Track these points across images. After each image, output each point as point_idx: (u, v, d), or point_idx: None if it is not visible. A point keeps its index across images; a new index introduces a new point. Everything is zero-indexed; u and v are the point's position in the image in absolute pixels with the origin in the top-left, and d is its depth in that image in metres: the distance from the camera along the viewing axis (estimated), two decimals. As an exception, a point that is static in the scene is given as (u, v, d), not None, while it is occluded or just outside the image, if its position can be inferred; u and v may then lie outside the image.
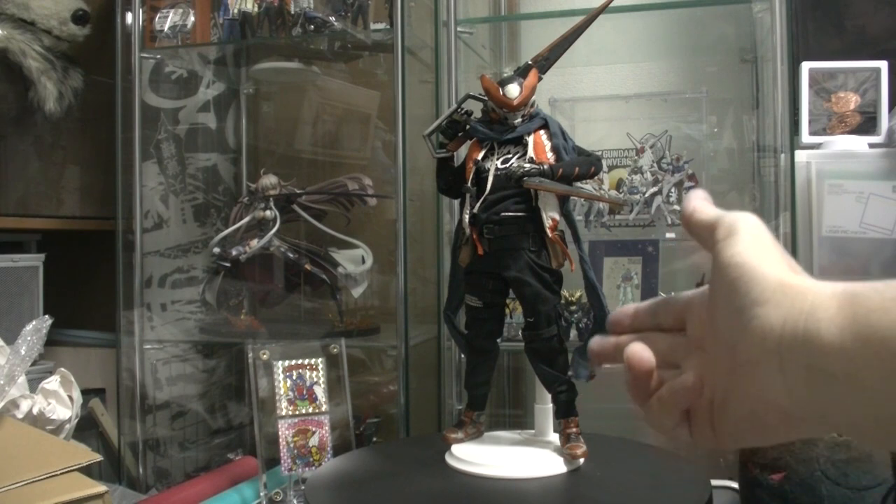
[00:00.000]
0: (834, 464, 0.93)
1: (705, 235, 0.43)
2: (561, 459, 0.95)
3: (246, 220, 1.45)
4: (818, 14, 1.39)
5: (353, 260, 1.49)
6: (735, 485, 1.10)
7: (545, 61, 0.99)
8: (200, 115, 1.69)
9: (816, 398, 0.37)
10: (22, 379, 1.08)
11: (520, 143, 0.97)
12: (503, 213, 0.94)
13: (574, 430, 0.97)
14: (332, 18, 1.39)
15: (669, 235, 1.37)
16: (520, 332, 1.08)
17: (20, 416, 1.04)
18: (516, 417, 1.61)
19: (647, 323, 0.49)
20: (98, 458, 0.97)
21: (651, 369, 0.44)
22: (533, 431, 1.06)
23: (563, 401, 0.98)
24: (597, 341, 0.51)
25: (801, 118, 1.26)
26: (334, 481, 0.96)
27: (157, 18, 1.50)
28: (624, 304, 1.39)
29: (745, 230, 0.41)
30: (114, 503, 1.29)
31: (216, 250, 1.45)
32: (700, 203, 0.45)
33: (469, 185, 0.97)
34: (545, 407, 1.04)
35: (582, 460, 0.95)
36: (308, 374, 1.15)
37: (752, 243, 0.40)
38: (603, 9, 0.99)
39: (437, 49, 1.40)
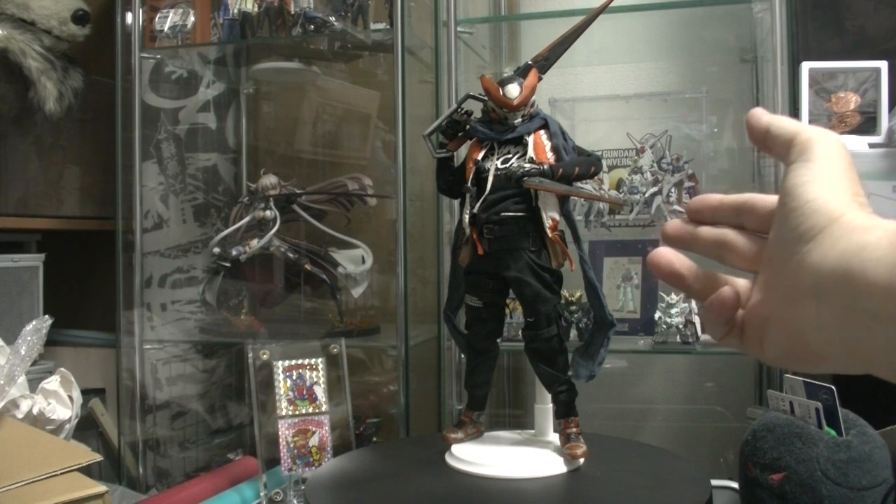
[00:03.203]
0: (834, 464, 0.93)
1: (782, 152, 0.42)
2: (561, 459, 0.95)
3: (246, 220, 1.45)
4: (818, 14, 1.39)
5: (353, 260, 1.48)
6: (735, 485, 1.10)
7: (545, 61, 0.99)
8: (200, 115, 1.69)
9: (856, 339, 0.35)
10: (22, 379, 1.08)
11: (520, 143, 0.97)
12: (503, 213, 0.94)
13: (574, 430, 0.97)
14: (332, 18, 1.39)
15: (669, 235, 1.37)
16: (520, 332, 1.08)
17: (20, 416, 1.04)
18: (516, 417, 1.61)
19: (729, 218, 0.46)
20: (98, 458, 0.97)
21: (672, 272, 0.43)
22: (533, 431, 1.06)
23: (563, 401, 0.98)
24: (673, 224, 0.48)
25: (801, 118, 1.26)
26: (334, 481, 0.96)
27: (157, 18, 1.50)
28: (624, 304, 1.39)
29: (819, 156, 0.40)
30: (114, 503, 1.29)
31: (216, 250, 1.45)
32: (772, 117, 0.43)
33: (469, 185, 0.97)
34: (545, 407, 1.04)
35: (582, 460, 0.95)
36: (308, 374, 1.15)
37: (821, 172, 0.39)
38: (603, 9, 0.98)
39: (437, 49, 1.40)
